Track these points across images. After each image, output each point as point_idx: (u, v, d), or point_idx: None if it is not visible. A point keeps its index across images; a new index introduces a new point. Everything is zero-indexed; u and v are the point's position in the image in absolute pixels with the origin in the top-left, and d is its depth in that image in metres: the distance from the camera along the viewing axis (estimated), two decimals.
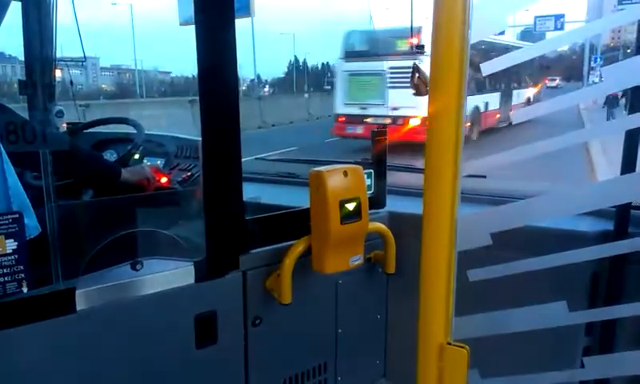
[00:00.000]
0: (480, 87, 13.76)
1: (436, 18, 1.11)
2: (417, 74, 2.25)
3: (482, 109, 14.40)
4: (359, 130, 11.79)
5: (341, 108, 13.20)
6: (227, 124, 1.46)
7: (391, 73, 11.70)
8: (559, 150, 1.13)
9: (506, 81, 16.60)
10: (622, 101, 14.76)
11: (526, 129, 4.55)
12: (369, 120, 11.89)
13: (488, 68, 1.17)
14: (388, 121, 11.32)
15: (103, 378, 1.37)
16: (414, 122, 10.73)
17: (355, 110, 12.63)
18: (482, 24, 1.10)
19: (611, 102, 16.32)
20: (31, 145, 1.27)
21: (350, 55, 13.02)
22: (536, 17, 27.76)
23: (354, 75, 12.93)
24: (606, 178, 1.31)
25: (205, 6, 1.37)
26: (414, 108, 10.32)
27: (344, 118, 12.96)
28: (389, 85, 12.01)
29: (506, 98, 16.32)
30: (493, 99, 15.17)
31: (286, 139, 12.69)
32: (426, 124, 1.12)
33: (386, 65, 11.75)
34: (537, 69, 20.71)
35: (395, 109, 11.67)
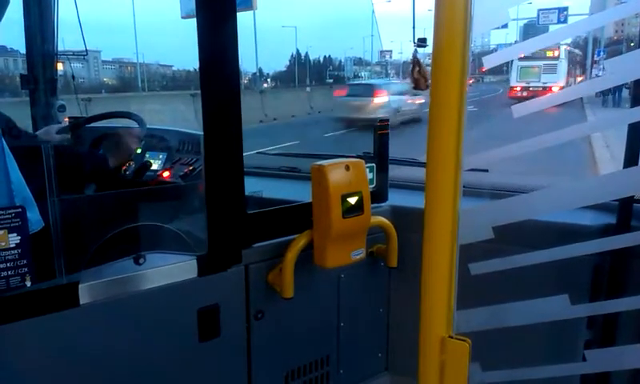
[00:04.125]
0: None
1: (438, 11, 1.10)
2: (417, 68, 2.22)
3: None
4: (524, 93, 24.56)
5: (514, 82, 26.94)
6: (229, 118, 1.46)
7: (544, 65, 26.05)
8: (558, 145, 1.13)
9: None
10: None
11: None
12: (530, 88, 25.53)
13: (489, 61, 1.17)
14: (540, 89, 24.43)
15: (106, 371, 1.38)
16: (554, 89, 22.03)
17: (523, 84, 26.14)
18: (483, 17, 1.10)
19: (604, 90, 18.93)
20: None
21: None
22: (539, 10, 27.78)
23: (522, 67, 26.37)
24: (609, 172, 1.31)
25: None
26: (555, 83, 24.84)
27: (517, 88, 26.25)
28: (543, 72, 26.16)
29: None
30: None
31: (288, 133, 12.81)
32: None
33: (541, 62, 26.18)
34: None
35: (545, 83, 25.36)
